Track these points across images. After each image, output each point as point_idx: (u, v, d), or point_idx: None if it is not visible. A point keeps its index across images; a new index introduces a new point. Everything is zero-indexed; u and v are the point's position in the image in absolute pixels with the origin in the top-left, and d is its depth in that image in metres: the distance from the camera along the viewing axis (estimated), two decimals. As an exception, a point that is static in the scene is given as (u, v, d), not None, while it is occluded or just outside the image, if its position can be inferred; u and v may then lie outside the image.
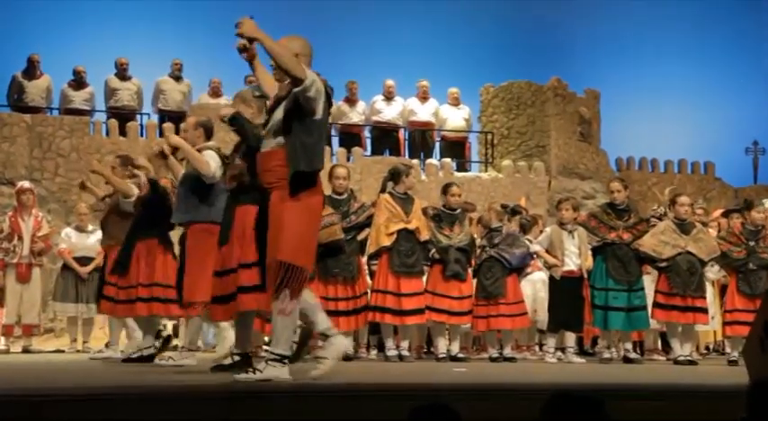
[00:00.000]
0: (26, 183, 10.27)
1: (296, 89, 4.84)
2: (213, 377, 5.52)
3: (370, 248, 8.36)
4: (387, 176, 8.66)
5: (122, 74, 13.57)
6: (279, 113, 4.99)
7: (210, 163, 6.47)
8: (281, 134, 4.94)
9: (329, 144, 13.76)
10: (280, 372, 4.80)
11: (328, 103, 5.06)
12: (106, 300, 7.83)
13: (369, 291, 8.43)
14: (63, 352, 9.91)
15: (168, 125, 12.78)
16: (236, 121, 5.82)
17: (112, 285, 7.71)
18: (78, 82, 13.44)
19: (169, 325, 9.50)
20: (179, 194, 6.78)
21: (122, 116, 13.29)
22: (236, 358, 6.06)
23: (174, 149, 6.82)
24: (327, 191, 8.51)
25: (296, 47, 5.03)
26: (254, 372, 4.84)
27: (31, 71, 13.22)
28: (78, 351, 9.85)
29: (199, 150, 6.62)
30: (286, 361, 4.89)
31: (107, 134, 12.95)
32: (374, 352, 9.05)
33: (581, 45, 17.89)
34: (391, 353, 8.31)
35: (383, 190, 8.53)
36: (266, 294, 5.17)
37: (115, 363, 7.47)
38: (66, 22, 15.03)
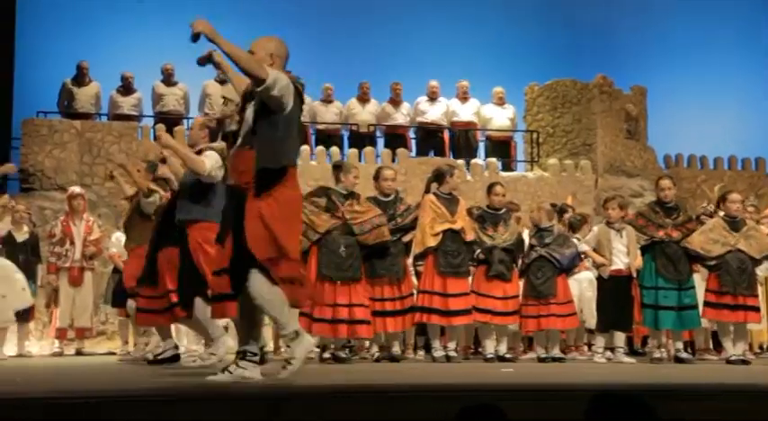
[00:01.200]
0: (77, 189, 10.43)
1: (257, 89, 4.84)
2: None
3: (416, 249, 8.37)
4: (430, 177, 8.67)
5: (168, 79, 13.73)
6: (249, 112, 5.02)
7: (206, 162, 6.49)
8: (250, 132, 4.96)
9: (373, 145, 13.79)
10: (305, 345, 4.95)
11: (299, 100, 5.03)
12: (143, 313, 7.77)
13: (415, 292, 8.44)
14: (114, 354, 10.04)
15: (160, 125, 12.87)
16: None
17: (144, 297, 7.56)
18: (126, 88, 13.63)
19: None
20: (180, 195, 6.83)
21: (169, 121, 13.44)
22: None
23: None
24: (374, 192, 8.58)
25: (270, 47, 5.07)
26: (226, 372, 4.92)
27: (81, 78, 13.44)
28: (130, 353, 9.96)
29: (201, 150, 6.66)
30: (300, 332, 4.99)
31: (154, 139, 13.10)
32: (421, 353, 9.05)
33: (627, 41, 17.69)
34: (438, 353, 8.30)
35: (427, 190, 8.53)
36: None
37: (140, 364, 7.55)
38: (113, 29, 15.21)
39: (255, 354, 5.03)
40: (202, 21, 4.77)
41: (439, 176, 8.54)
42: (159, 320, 7.65)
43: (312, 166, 12.93)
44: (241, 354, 5.04)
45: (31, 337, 10.38)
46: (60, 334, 9.97)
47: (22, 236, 9.73)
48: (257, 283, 4.85)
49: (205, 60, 5.05)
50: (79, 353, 9.83)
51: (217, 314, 5.73)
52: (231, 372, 4.93)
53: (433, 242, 8.24)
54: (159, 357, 7.65)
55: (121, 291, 8.34)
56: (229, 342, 6.84)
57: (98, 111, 13.55)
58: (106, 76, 13.68)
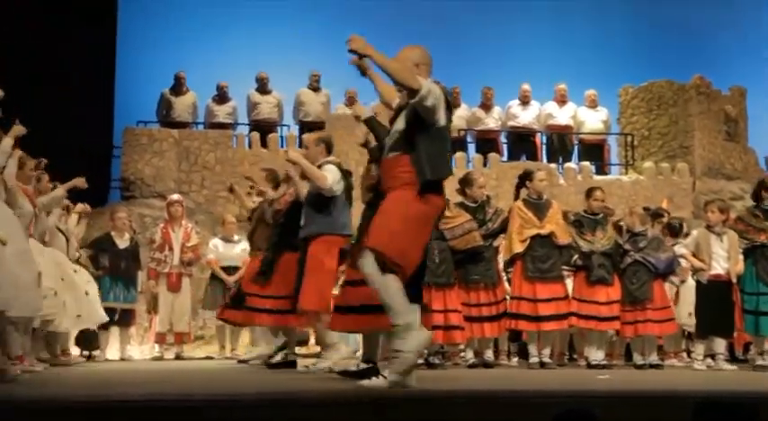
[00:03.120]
0: (175, 196, 10.67)
1: (412, 100, 4.84)
2: (344, 383, 5.57)
3: (504, 256, 8.32)
4: (517, 182, 8.63)
5: (263, 88, 13.94)
6: (400, 123, 5.01)
7: (328, 177, 6.57)
8: (402, 143, 4.95)
9: (464, 150, 13.76)
10: (412, 342, 4.79)
11: (449, 110, 5.02)
12: (255, 312, 7.92)
13: (508, 298, 8.39)
14: (212, 358, 10.23)
15: (254, 134, 13.15)
16: (370, 122, 5.89)
17: (257, 296, 7.79)
18: (221, 97, 13.90)
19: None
20: (303, 211, 6.92)
21: (263, 128, 13.66)
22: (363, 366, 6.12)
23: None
24: (462, 197, 8.55)
25: (415, 57, 5.05)
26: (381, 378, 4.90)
27: (178, 88, 13.77)
28: (227, 358, 10.15)
29: (320, 165, 6.74)
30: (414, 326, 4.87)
31: (249, 146, 13.33)
32: (515, 359, 8.99)
33: (724, 41, 17.25)
34: (533, 359, 8.24)
35: (516, 197, 8.51)
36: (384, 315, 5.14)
37: (260, 368, 7.66)
38: (209, 40, 15.54)
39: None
40: (357, 37, 4.82)
41: (524, 177, 8.50)
42: (272, 321, 7.74)
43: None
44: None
45: (133, 342, 10.65)
46: (160, 338, 10.19)
47: (123, 242, 9.98)
48: (369, 263, 4.81)
49: (358, 69, 5.13)
50: (178, 357, 10.03)
51: (337, 326, 5.84)
52: (386, 377, 4.91)
53: (520, 248, 8.19)
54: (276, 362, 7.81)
55: (240, 296, 8.46)
56: (343, 350, 6.90)
57: (195, 119, 13.86)
58: (202, 85, 13.99)
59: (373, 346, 6.28)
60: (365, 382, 4.96)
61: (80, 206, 9.10)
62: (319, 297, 6.63)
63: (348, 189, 6.81)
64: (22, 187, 6.76)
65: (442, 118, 4.92)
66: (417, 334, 4.83)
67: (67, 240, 8.36)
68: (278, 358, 7.89)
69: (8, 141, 6.04)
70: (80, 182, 7.72)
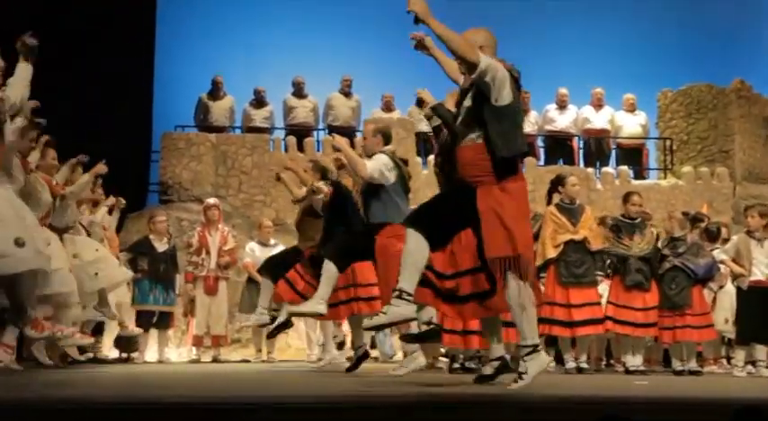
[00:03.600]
0: (212, 200, 10.74)
1: (472, 75, 4.80)
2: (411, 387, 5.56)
3: (538, 261, 8.27)
4: (549, 188, 8.58)
5: (299, 92, 14.01)
6: (467, 103, 4.98)
7: (367, 165, 6.55)
8: (474, 125, 4.91)
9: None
10: (539, 363, 4.85)
11: (517, 88, 4.96)
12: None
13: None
14: (249, 362, 10.28)
15: (291, 137, 13.32)
16: (436, 109, 5.85)
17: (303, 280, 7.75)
18: (259, 101, 13.98)
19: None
20: (362, 200, 6.92)
21: (299, 133, 13.72)
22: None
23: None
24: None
25: (479, 39, 5.00)
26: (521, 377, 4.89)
27: (216, 92, 13.88)
28: (263, 361, 10.20)
29: (374, 155, 6.73)
30: (539, 347, 4.91)
31: (285, 150, 13.39)
32: (552, 364, 8.93)
33: (765, 44, 17.04)
34: (569, 365, 8.19)
35: (549, 202, 8.46)
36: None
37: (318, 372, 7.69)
38: (246, 45, 15.64)
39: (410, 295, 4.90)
40: (419, 1, 4.72)
41: (556, 182, 8.45)
42: (334, 315, 7.73)
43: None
44: (398, 292, 4.90)
45: (170, 344, 10.74)
46: (197, 341, 10.27)
47: (162, 246, 10.06)
48: (513, 288, 4.84)
49: (418, 45, 5.08)
50: (215, 360, 10.09)
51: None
52: (386, 313, 4.88)
53: (553, 253, 8.15)
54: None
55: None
56: (421, 359, 6.87)
57: (232, 124, 13.95)
58: (240, 89, 14.09)
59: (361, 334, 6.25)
60: (512, 386, 4.95)
61: (111, 199, 9.18)
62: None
63: (403, 177, 6.77)
64: (43, 177, 6.83)
65: (507, 96, 4.85)
66: (540, 357, 4.94)
67: (89, 234, 8.41)
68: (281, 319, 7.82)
69: (19, 120, 6.07)
70: (100, 168, 7.82)
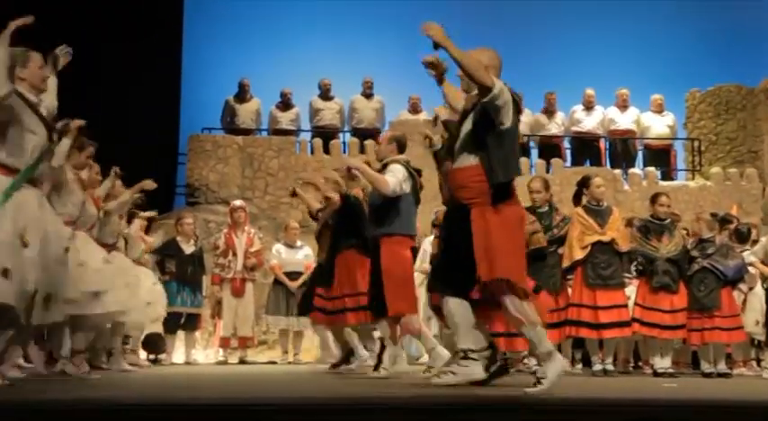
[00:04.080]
0: (238, 202, 10.79)
1: (483, 99, 4.80)
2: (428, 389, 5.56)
3: (565, 263, 8.25)
4: (575, 190, 8.55)
5: (326, 94, 14.04)
6: (467, 126, 4.97)
7: (389, 179, 6.51)
8: (471, 147, 4.91)
9: (527, 155, 13.67)
10: (557, 367, 4.81)
11: (517, 111, 4.97)
12: (318, 312, 8.09)
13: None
14: (275, 363, 10.31)
15: (317, 140, 13.36)
16: (448, 125, 5.86)
17: (320, 296, 7.99)
18: (285, 103, 14.03)
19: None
20: (370, 211, 6.94)
21: (326, 135, 13.75)
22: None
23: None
24: (526, 203, 8.51)
25: (485, 58, 4.98)
26: (541, 382, 4.83)
27: (242, 95, 13.94)
28: (290, 362, 10.22)
29: (388, 163, 6.73)
30: (553, 352, 4.89)
31: (312, 152, 13.43)
32: (578, 366, 8.90)
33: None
34: (597, 367, 8.15)
35: (576, 204, 8.43)
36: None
37: (329, 373, 7.70)
38: (272, 48, 15.70)
39: (474, 351, 4.97)
40: (434, 25, 4.75)
41: (582, 184, 8.43)
42: (331, 322, 7.84)
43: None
44: (463, 353, 5.02)
45: (198, 346, 10.79)
46: (224, 343, 10.31)
47: (189, 248, 10.11)
48: (509, 305, 4.81)
49: (430, 65, 5.10)
50: (242, 361, 10.13)
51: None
52: (455, 373, 4.91)
53: (580, 255, 8.11)
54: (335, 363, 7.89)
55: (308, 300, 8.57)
56: (444, 352, 6.88)
57: (258, 126, 14.01)
58: (266, 92, 14.14)
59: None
60: (436, 380, 4.96)
61: (149, 213, 9.19)
62: (406, 300, 6.61)
63: (415, 188, 6.78)
64: (88, 192, 6.88)
65: (509, 119, 4.87)
66: (556, 360, 4.88)
67: (126, 243, 8.47)
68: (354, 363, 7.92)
69: (66, 142, 6.12)
70: (147, 184, 7.75)
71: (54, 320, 5.68)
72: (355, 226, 7.31)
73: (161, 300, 8.71)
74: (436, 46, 4.78)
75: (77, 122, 5.98)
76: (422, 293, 8.39)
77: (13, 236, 4.47)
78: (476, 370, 5.04)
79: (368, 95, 14.10)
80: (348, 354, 8.19)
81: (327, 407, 4.01)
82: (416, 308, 6.78)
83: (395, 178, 6.54)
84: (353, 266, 7.45)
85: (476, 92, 4.98)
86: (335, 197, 7.93)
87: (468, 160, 4.93)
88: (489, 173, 4.83)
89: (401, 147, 6.88)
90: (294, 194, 9.04)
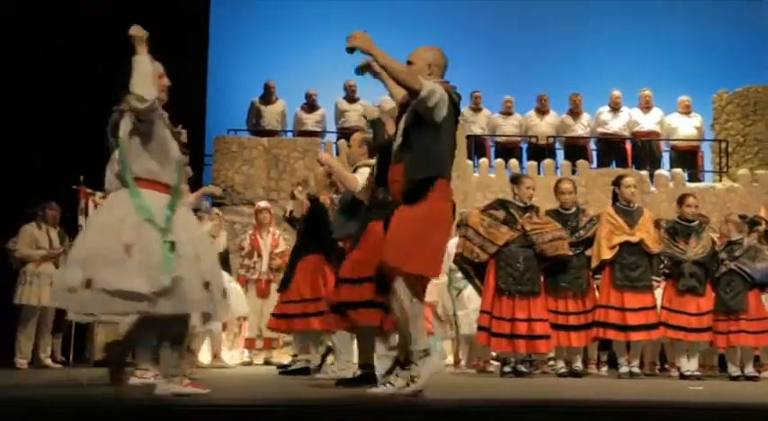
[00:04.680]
0: (263, 203, 10.81)
1: (413, 101, 4.77)
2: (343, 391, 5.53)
3: (593, 262, 8.21)
4: (612, 192, 8.52)
5: (351, 96, 14.06)
6: (402, 125, 4.94)
7: (358, 178, 6.51)
8: (404, 144, 4.87)
9: (553, 157, 13.62)
10: (430, 366, 4.72)
11: (454, 110, 4.90)
12: (274, 317, 8.16)
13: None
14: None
15: (342, 142, 13.29)
16: (374, 123, 5.88)
17: (281, 302, 8.07)
18: (310, 105, 14.06)
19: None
20: (337, 212, 6.96)
21: (350, 136, 13.73)
22: (359, 372, 6.16)
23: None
24: (555, 204, 8.48)
25: (428, 57, 4.99)
26: (388, 385, 4.76)
27: (268, 96, 13.98)
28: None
29: (357, 167, 6.74)
30: (430, 351, 4.79)
31: (337, 154, 13.43)
32: (604, 368, 8.84)
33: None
34: (623, 369, 8.10)
35: (614, 202, 8.40)
36: (379, 310, 5.36)
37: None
38: (298, 49, 15.74)
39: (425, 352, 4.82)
40: (359, 34, 4.76)
41: (615, 183, 8.41)
42: (293, 325, 7.88)
43: (491, 179, 12.92)
44: (401, 363, 4.87)
45: (223, 346, 10.80)
46: (249, 344, 10.34)
47: (216, 249, 10.14)
48: (400, 294, 4.73)
49: (364, 69, 5.11)
50: (267, 362, 10.15)
51: (364, 320, 5.82)
52: (392, 384, 4.78)
53: (608, 255, 8.06)
54: (291, 368, 7.93)
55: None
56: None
57: (284, 127, 14.04)
58: (291, 93, 14.17)
59: (369, 350, 6.26)
60: (372, 390, 4.86)
61: (215, 213, 9.21)
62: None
63: None
64: None
65: (441, 116, 4.79)
66: (431, 360, 4.78)
67: None
68: (297, 365, 7.95)
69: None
70: (212, 189, 7.79)
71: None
72: (320, 231, 7.36)
73: (242, 301, 8.73)
74: (351, 51, 4.78)
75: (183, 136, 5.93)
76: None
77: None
78: (435, 361, 4.94)
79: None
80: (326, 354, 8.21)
81: (348, 408, 4.01)
82: None
83: (363, 178, 6.53)
84: (316, 271, 7.52)
85: None
86: (302, 199, 7.98)
87: (399, 157, 4.89)
88: (409, 167, 4.77)
89: (372, 151, 6.87)
90: (293, 197, 9.07)
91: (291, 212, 8.64)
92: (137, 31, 4.65)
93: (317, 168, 8.12)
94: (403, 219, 4.77)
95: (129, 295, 4.32)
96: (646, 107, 14.02)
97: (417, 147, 4.80)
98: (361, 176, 6.57)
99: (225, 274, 8.69)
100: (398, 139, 4.94)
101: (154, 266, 4.33)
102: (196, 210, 8.44)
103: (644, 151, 13.94)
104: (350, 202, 6.72)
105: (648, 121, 13.94)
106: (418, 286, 4.79)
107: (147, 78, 4.48)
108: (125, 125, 4.56)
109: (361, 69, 5.13)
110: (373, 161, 6.76)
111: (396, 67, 4.77)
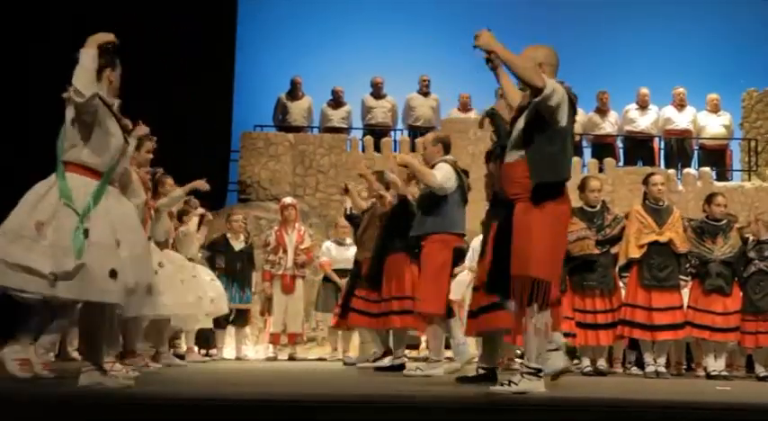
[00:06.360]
0: (289, 199, 10.82)
1: (535, 99, 4.75)
2: (462, 388, 5.56)
3: (621, 261, 8.15)
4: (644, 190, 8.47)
5: (377, 92, 14.07)
6: (521, 123, 4.92)
7: (437, 175, 6.55)
8: (522, 144, 4.87)
9: (579, 155, 13.54)
10: (535, 386, 4.74)
11: (572, 111, 4.89)
12: (356, 313, 8.16)
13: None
14: (325, 360, 10.34)
15: (368, 138, 13.40)
16: (493, 117, 5.86)
17: (361, 298, 8.05)
18: (336, 101, 14.08)
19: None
20: (417, 211, 6.95)
21: (377, 133, 13.77)
22: (482, 371, 6.13)
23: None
24: (579, 203, 8.43)
25: (539, 56, 4.94)
26: (510, 385, 4.76)
27: (294, 92, 14.02)
28: (339, 359, 10.24)
29: (434, 164, 6.74)
30: (541, 374, 4.83)
31: (363, 150, 13.45)
32: (634, 369, 8.78)
33: None
34: (649, 368, 8.05)
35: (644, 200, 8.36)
36: (505, 312, 5.37)
37: (368, 372, 7.70)
38: (324, 46, 15.77)
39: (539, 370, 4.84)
40: (483, 33, 4.77)
41: (644, 181, 8.36)
42: (373, 323, 7.90)
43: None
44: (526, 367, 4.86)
45: (248, 342, 10.87)
46: (273, 339, 10.36)
47: (239, 244, 10.19)
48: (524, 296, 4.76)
49: (487, 63, 5.12)
50: (291, 358, 10.18)
51: (492, 324, 5.99)
52: (516, 384, 4.75)
53: (636, 253, 8.00)
54: (377, 364, 7.91)
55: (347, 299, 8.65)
56: (471, 350, 6.92)
57: (310, 124, 14.08)
58: (318, 90, 14.21)
59: (493, 350, 6.29)
60: (493, 388, 4.86)
61: (201, 209, 9.23)
62: (437, 300, 6.63)
63: (462, 188, 6.77)
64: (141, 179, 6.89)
65: (563, 119, 4.81)
66: (538, 385, 4.77)
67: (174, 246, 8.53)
68: (386, 361, 7.95)
69: (132, 142, 6.16)
70: (200, 184, 7.77)
71: (157, 312, 5.77)
72: (406, 228, 7.32)
73: (224, 297, 8.77)
74: (488, 61, 4.87)
75: (142, 130, 6.00)
76: (468, 293, 8.40)
77: (111, 236, 4.50)
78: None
79: (425, 93, 14.11)
80: (385, 353, 8.24)
81: (370, 405, 4.02)
82: (443, 308, 6.75)
83: (442, 174, 6.57)
84: (402, 270, 7.48)
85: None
86: (389, 196, 7.93)
87: (518, 156, 4.89)
88: (535, 171, 4.78)
89: (446, 148, 6.91)
90: (346, 190, 9.04)
91: (351, 210, 8.67)
92: (98, 36, 4.68)
93: (394, 169, 8.17)
94: (540, 225, 4.75)
95: (28, 270, 4.35)
96: (680, 105, 13.91)
97: (544, 151, 4.81)
98: (440, 172, 6.58)
99: (205, 270, 8.73)
100: (516, 137, 4.93)
101: (63, 249, 4.36)
102: (185, 204, 8.52)
103: (676, 149, 13.84)
104: (427, 199, 6.71)
105: (683, 120, 13.83)
106: (541, 289, 4.77)
107: (87, 73, 4.52)
108: (68, 113, 4.63)
109: (488, 62, 5.14)
110: (449, 157, 6.80)
111: (518, 63, 4.76)
